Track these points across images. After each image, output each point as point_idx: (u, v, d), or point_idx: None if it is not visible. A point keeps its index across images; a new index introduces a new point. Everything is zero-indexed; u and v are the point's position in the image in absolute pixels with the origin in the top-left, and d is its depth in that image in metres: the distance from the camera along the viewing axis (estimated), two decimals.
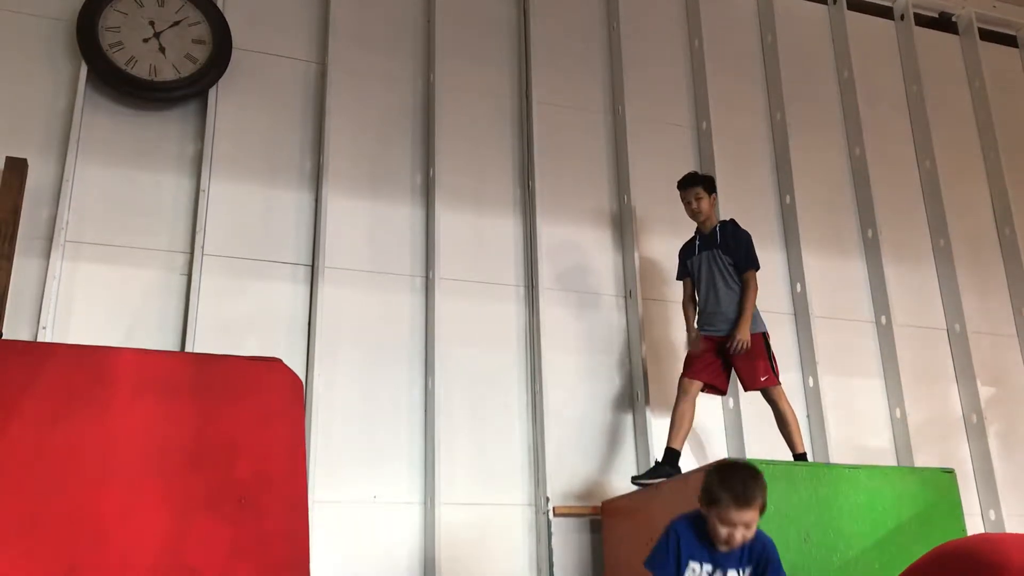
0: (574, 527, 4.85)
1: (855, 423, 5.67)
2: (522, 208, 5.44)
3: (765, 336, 4.67)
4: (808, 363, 5.63)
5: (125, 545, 2.94)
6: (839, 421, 5.54)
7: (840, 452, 5.35)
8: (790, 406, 4.62)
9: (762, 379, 4.59)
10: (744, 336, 4.53)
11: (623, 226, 5.61)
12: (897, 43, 6.89)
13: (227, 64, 4.97)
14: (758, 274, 4.72)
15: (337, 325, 4.81)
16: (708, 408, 5.30)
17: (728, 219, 4.88)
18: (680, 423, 4.58)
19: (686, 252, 4.94)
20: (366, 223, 5.10)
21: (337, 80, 5.23)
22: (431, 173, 5.25)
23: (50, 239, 4.41)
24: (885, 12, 6.98)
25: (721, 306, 4.67)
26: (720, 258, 4.73)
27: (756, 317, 4.67)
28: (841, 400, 5.63)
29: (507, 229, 5.38)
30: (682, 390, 4.64)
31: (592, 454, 5.06)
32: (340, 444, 4.61)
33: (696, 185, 4.85)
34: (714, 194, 4.87)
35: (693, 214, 4.85)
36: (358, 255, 5.01)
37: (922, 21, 7.01)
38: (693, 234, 4.92)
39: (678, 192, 4.88)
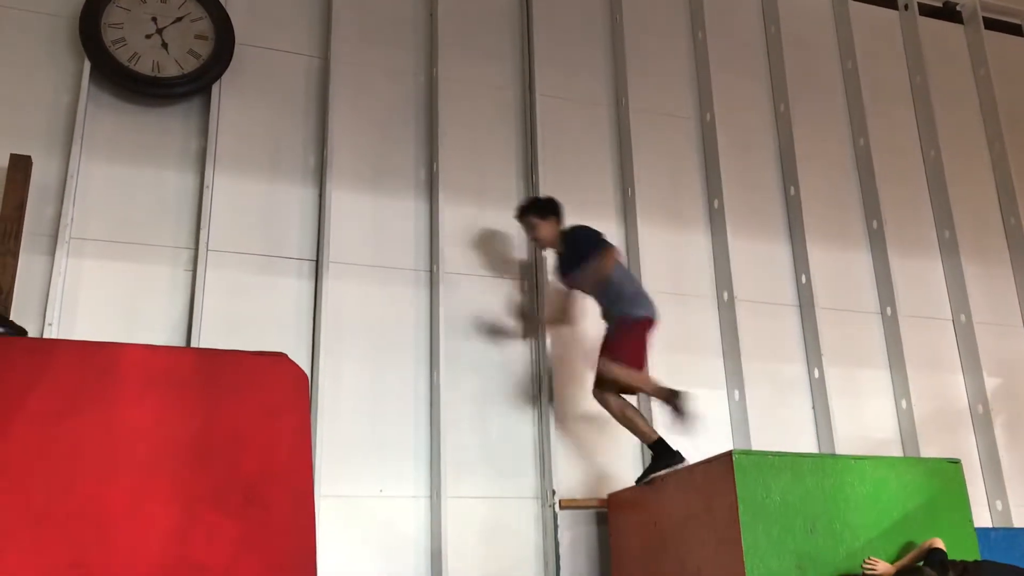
0: (580, 520, 4.86)
1: (861, 414, 5.67)
2: None
3: (631, 323, 4.55)
4: (813, 355, 5.62)
5: (132, 540, 2.94)
6: (845, 412, 5.53)
7: (846, 443, 5.35)
8: (620, 402, 4.53)
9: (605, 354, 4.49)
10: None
11: (627, 219, 5.60)
12: (901, 33, 6.87)
13: (230, 60, 4.96)
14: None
15: (342, 319, 4.81)
16: (713, 400, 5.30)
17: (566, 229, 4.79)
18: (632, 420, 4.55)
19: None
20: (370, 218, 5.10)
21: (340, 75, 5.23)
22: (435, 167, 5.25)
23: (55, 236, 4.42)
24: (889, 2, 6.96)
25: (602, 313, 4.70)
26: (576, 273, 4.65)
27: (637, 301, 4.59)
28: (847, 391, 5.63)
29: (511, 223, 5.36)
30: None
31: (598, 447, 5.06)
32: (346, 438, 4.62)
33: (527, 215, 4.77)
34: (552, 217, 4.75)
35: (536, 244, 4.79)
36: (362, 250, 5.01)
37: (926, 11, 6.98)
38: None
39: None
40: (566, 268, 4.76)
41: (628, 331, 4.51)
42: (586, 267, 4.54)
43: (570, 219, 5.43)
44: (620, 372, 4.42)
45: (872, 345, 5.88)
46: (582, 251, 4.59)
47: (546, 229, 4.66)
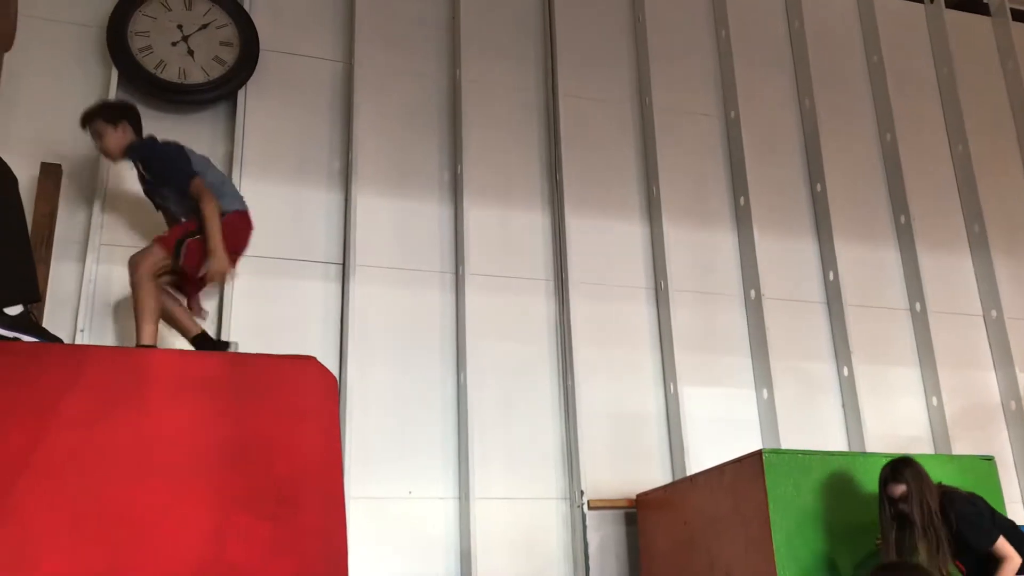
0: (609, 520, 4.85)
1: (891, 412, 5.62)
2: (550, 202, 5.44)
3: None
4: (842, 352, 5.58)
5: (166, 543, 2.97)
6: (875, 410, 5.50)
7: (876, 441, 5.31)
8: (151, 287, 3.72)
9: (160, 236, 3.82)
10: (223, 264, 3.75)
11: (652, 218, 5.59)
12: (927, 26, 6.80)
13: (255, 65, 5.00)
14: None
15: (369, 322, 4.83)
16: (742, 399, 5.29)
17: (140, 142, 4.05)
18: (170, 317, 3.91)
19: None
20: (395, 220, 5.13)
21: (364, 78, 5.25)
22: (458, 169, 5.26)
23: (85, 242, 4.47)
24: None
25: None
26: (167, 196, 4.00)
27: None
28: (876, 389, 5.59)
29: (535, 224, 5.38)
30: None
31: (625, 447, 5.06)
32: (374, 440, 4.64)
33: (93, 121, 3.99)
34: (123, 123, 3.99)
35: (103, 155, 4.12)
36: (388, 252, 5.04)
37: (952, 3, 6.91)
38: None
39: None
40: (151, 187, 4.07)
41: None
42: (183, 200, 3.89)
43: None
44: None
45: (902, 342, 5.83)
46: (167, 175, 3.94)
47: (115, 139, 3.96)
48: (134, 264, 3.73)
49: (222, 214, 3.82)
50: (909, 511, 3.75)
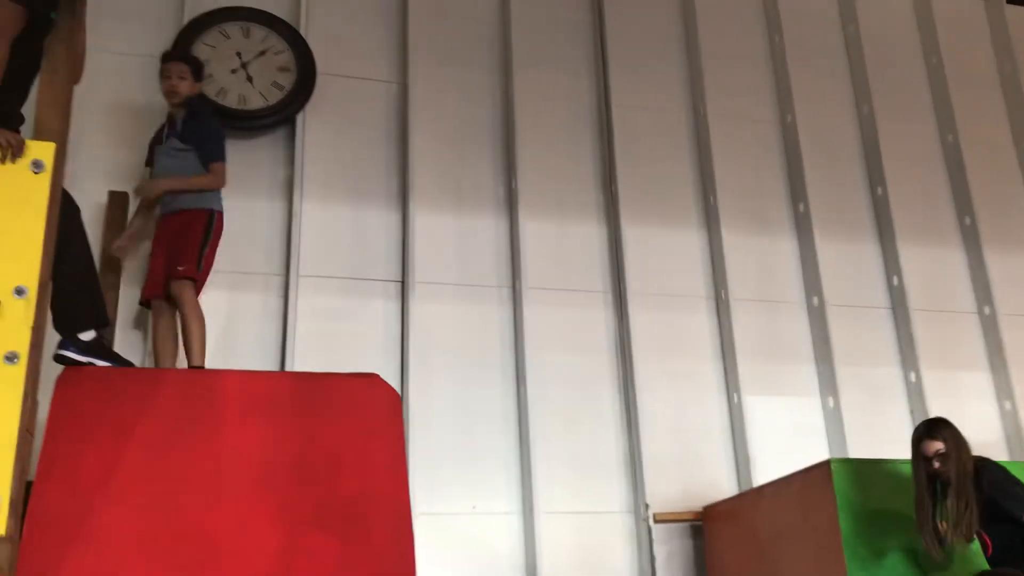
0: (676, 533, 4.81)
1: (961, 418, 5.38)
2: (606, 213, 5.43)
3: (212, 216, 4.13)
4: (909, 358, 5.48)
5: (237, 562, 3.02)
6: (945, 416, 5.35)
7: None
8: (200, 312, 3.97)
9: (180, 268, 3.97)
10: (156, 187, 4.11)
11: (710, 226, 5.55)
12: (987, 22, 6.66)
13: (312, 90, 5.09)
14: None
15: (429, 338, 4.87)
16: (807, 408, 5.22)
17: (200, 100, 4.39)
18: (159, 352, 4.04)
19: (153, 139, 4.39)
20: (453, 237, 5.16)
21: (418, 98, 5.31)
22: (513, 183, 5.28)
23: None
24: None
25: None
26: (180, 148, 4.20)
27: (213, 196, 4.18)
28: (946, 394, 5.46)
29: (592, 235, 5.38)
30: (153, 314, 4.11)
31: (690, 458, 5.01)
32: (437, 456, 4.66)
33: (185, 62, 4.30)
34: (199, 83, 4.34)
35: (167, 95, 4.27)
36: (446, 269, 5.08)
37: None
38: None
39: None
40: (169, 139, 4.25)
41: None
42: (189, 165, 4.14)
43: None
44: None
45: (971, 346, 5.70)
46: (205, 139, 4.20)
47: (188, 86, 4.24)
48: (179, 294, 3.97)
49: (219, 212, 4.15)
50: (945, 470, 3.67)
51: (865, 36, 6.24)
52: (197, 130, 4.23)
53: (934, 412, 5.27)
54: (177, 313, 4.02)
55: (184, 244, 4.05)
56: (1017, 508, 3.61)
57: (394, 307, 4.91)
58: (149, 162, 4.43)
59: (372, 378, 3.46)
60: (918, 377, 5.39)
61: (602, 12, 5.86)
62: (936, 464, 3.70)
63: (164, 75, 4.27)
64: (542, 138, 5.50)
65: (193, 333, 3.91)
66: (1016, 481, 3.74)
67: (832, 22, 6.39)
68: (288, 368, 4.53)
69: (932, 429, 3.77)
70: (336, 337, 4.76)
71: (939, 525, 3.66)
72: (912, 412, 5.38)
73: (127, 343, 4.36)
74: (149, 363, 4.37)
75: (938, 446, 3.70)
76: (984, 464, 3.74)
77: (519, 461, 4.77)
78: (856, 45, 6.24)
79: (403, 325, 4.84)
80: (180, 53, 4.46)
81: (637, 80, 5.80)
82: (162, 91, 4.33)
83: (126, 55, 4.97)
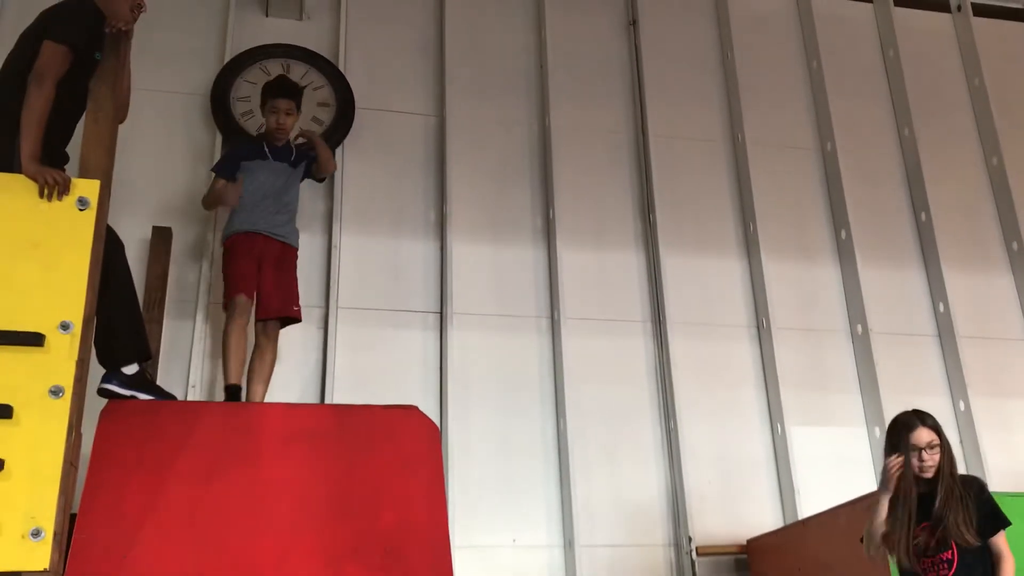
0: (720, 567, 4.73)
1: (1014, 447, 5.35)
2: (644, 242, 5.41)
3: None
4: (957, 386, 5.36)
5: None
6: (996, 446, 5.24)
7: (999, 478, 5.04)
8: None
9: (296, 308, 4.24)
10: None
11: (750, 255, 5.50)
12: None
13: (351, 124, 5.15)
14: None
15: (468, 369, 4.87)
16: (853, 438, 5.15)
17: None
18: (234, 352, 4.10)
19: (246, 154, 4.45)
20: (490, 267, 5.17)
21: (455, 131, 5.35)
22: (551, 214, 5.28)
23: (195, 301, 4.64)
24: (1014, 14, 6.68)
25: (289, 209, 4.43)
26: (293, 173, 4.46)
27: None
28: (996, 423, 5.34)
29: (630, 264, 5.35)
30: (239, 310, 4.13)
31: (733, 490, 4.93)
32: (476, 488, 4.64)
33: (299, 97, 4.52)
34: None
35: (275, 128, 4.41)
36: (484, 299, 5.08)
37: None
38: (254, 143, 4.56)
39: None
40: (272, 162, 4.43)
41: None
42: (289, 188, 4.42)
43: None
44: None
45: (1021, 373, 5.57)
46: (301, 165, 4.53)
47: (294, 122, 4.49)
48: (278, 333, 4.26)
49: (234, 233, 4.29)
50: (938, 462, 3.29)
51: (905, 60, 6.18)
52: (304, 157, 4.52)
53: (984, 442, 5.17)
54: (254, 333, 4.20)
55: (292, 282, 4.30)
56: (991, 526, 3.30)
57: (432, 338, 4.91)
58: (231, 175, 4.40)
59: (410, 410, 3.46)
60: (967, 406, 5.27)
61: (638, 43, 5.88)
62: (926, 458, 3.30)
63: (271, 110, 4.42)
64: (579, 168, 5.50)
65: (272, 368, 4.18)
66: (992, 498, 3.40)
67: (870, 46, 6.34)
68: (328, 399, 4.55)
69: (925, 417, 3.38)
70: (375, 368, 4.78)
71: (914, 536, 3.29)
72: (961, 442, 5.25)
73: (169, 376, 4.40)
74: (191, 395, 4.42)
75: (932, 437, 3.33)
76: (964, 478, 3.40)
77: (559, 493, 4.73)
78: (896, 69, 6.18)
79: (441, 356, 4.84)
80: (290, 89, 4.52)
81: (674, 110, 5.79)
82: (268, 126, 4.47)
83: (168, 93, 5.07)
